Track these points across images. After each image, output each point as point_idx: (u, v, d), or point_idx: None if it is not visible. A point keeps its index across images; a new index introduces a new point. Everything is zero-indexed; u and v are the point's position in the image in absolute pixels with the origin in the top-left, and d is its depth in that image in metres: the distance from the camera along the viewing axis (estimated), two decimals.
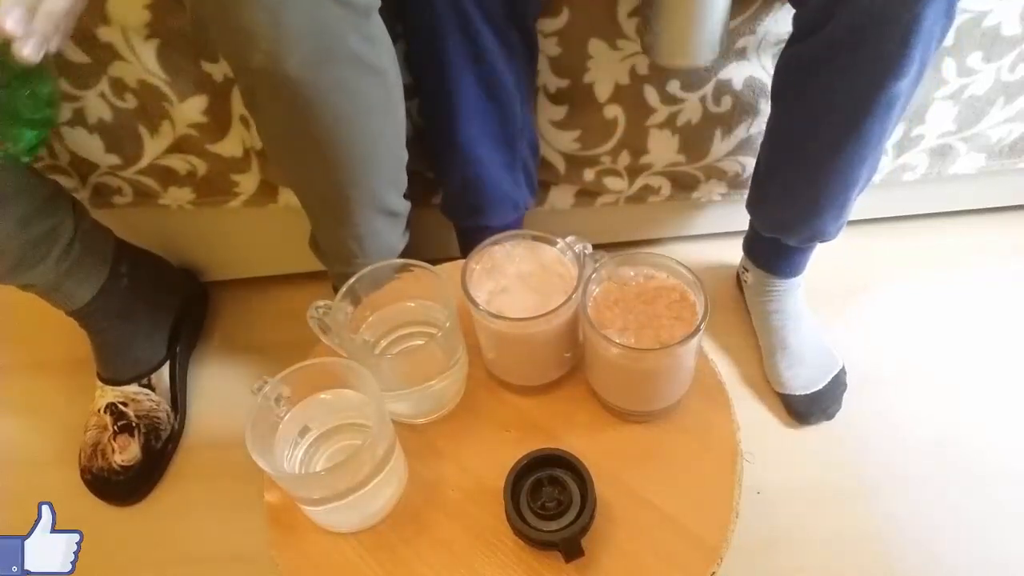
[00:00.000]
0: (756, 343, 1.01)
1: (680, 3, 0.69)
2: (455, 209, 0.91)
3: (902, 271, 1.10)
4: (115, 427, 0.93)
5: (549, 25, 0.77)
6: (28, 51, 0.47)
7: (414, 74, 0.79)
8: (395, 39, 0.76)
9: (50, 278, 0.82)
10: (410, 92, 0.80)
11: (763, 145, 0.84)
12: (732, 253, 1.05)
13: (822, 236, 0.86)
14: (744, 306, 1.04)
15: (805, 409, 0.94)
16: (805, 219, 0.84)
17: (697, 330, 0.53)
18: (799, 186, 0.81)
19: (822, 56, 0.69)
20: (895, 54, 0.64)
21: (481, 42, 0.73)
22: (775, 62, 0.82)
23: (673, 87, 0.83)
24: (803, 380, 0.95)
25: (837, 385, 0.96)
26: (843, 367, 0.97)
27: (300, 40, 0.57)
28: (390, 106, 0.70)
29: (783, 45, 0.80)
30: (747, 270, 1.00)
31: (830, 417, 0.95)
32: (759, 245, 0.96)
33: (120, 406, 0.94)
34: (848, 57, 0.66)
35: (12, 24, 0.45)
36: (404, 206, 0.81)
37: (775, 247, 0.92)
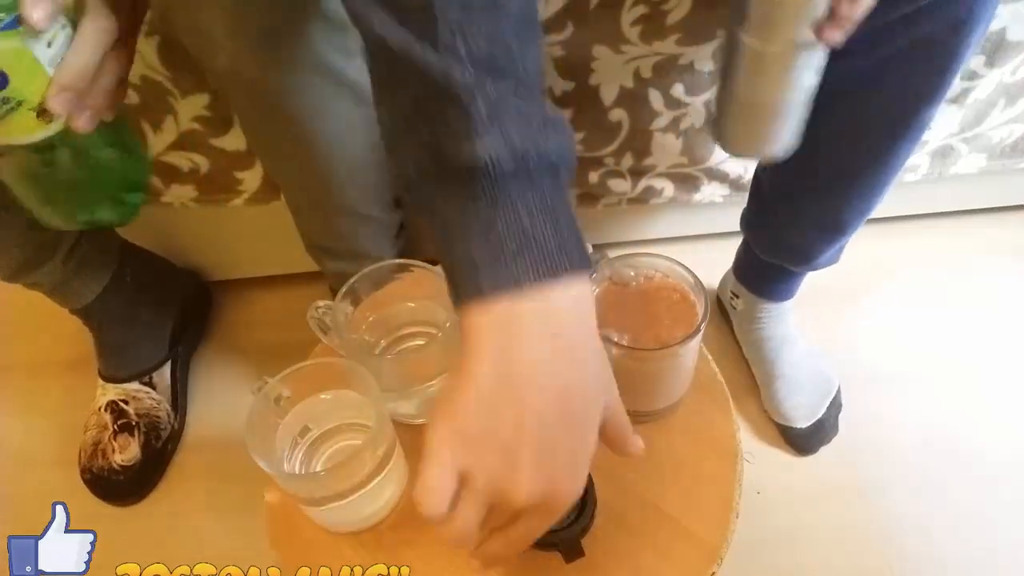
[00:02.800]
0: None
1: (761, 96, 0.59)
2: None
3: (902, 271, 1.10)
4: (115, 426, 0.93)
5: (554, 38, 0.77)
6: (81, 123, 0.49)
7: None
8: None
9: (56, 277, 0.83)
10: None
11: (768, 166, 0.80)
12: (733, 254, 1.04)
13: (827, 263, 0.83)
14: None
15: (806, 443, 0.93)
16: (817, 246, 0.80)
17: (697, 330, 0.53)
18: (815, 213, 0.77)
19: (867, 78, 0.64)
20: (938, 79, 0.62)
21: None
22: None
23: (677, 91, 0.83)
24: (804, 410, 0.93)
25: (834, 409, 0.95)
26: (838, 388, 0.96)
27: (260, 43, 0.56)
28: (365, 117, 0.68)
29: None
30: (737, 296, 0.96)
31: (828, 442, 0.93)
32: (755, 269, 0.92)
33: (121, 404, 0.94)
34: (891, 83, 0.63)
35: (58, 106, 0.47)
36: (389, 215, 0.79)
37: (774, 271, 0.88)
